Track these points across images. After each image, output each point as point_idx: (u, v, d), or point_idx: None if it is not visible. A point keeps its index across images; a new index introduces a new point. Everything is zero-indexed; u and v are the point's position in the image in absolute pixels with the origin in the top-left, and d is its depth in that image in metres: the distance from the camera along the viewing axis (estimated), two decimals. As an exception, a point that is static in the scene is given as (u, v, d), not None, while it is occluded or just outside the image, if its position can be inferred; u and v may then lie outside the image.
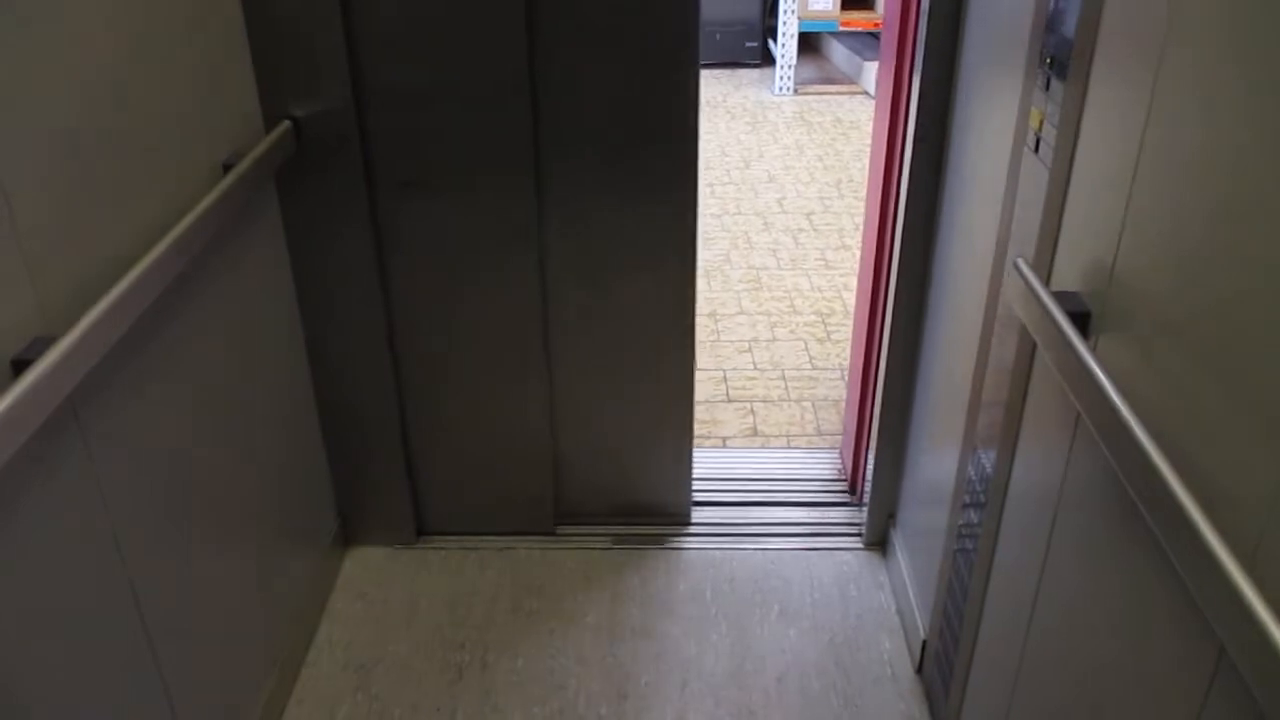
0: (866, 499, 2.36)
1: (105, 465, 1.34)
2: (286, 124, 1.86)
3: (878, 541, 2.38)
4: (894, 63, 2.04)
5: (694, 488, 2.45)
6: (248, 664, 1.84)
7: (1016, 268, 1.31)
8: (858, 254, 3.86)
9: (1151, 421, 0.99)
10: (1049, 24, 1.33)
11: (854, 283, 3.58)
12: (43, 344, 1.16)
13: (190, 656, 1.59)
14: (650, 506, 2.42)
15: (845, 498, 2.53)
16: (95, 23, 1.33)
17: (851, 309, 3.53)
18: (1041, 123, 1.34)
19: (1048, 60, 1.33)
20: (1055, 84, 1.30)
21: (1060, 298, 1.22)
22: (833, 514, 2.48)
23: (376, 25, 1.86)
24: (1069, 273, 1.28)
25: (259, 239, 1.89)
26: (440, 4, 1.86)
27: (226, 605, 1.75)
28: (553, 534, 2.42)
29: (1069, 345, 1.14)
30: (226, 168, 1.68)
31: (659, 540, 2.41)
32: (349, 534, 2.39)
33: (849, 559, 2.35)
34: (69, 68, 1.26)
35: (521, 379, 2.24)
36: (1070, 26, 1.26)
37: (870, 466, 2.34)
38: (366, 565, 2.35)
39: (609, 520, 2.45)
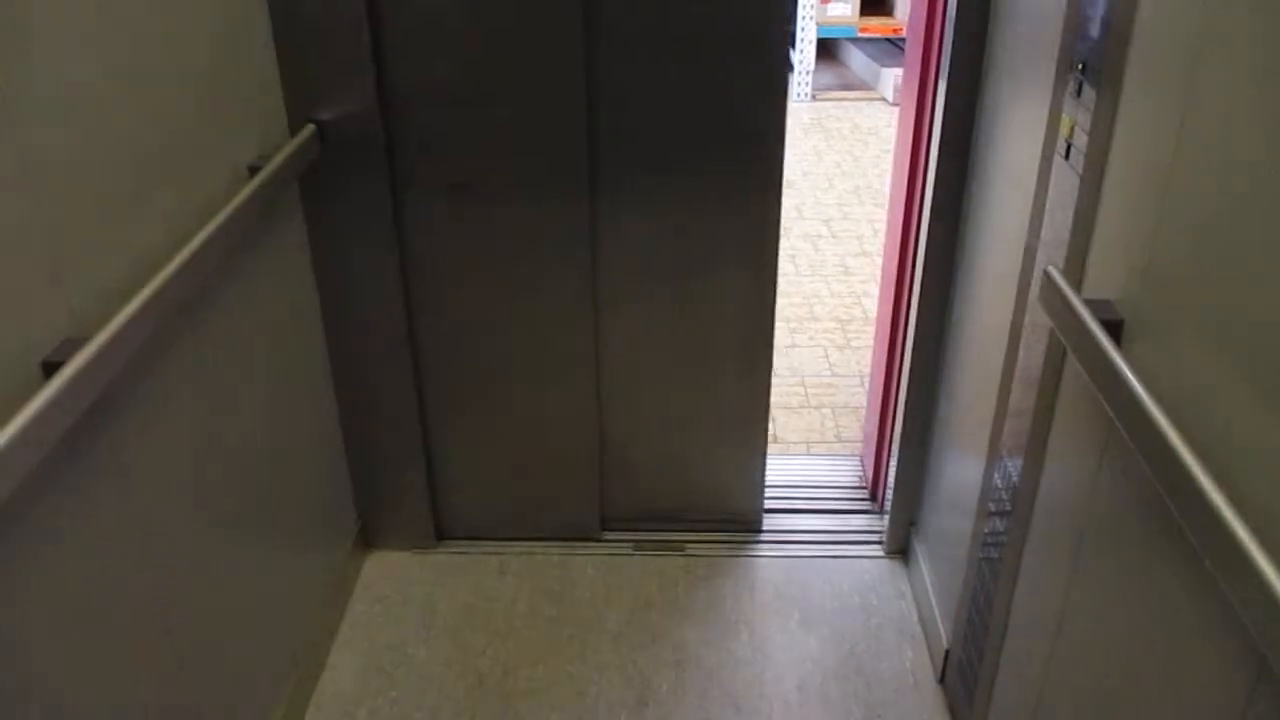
0: (888, 506, 2.35)
1: (133, 466, 1.34)
2: (311, 127, 1.86)
3: (899, 549, 2.36)
4: (918, 69, 2.03)
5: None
6: (269, 667, 1.84)
7: (1048, 275, 1.30)
8: (877, 261, 3.84)
9: (1188, 432, 0.98)
10: (1080, 30, 1.32)
11: (873, 289, 3.57)
12: (72, 346, 1.16)
13: (212, 658, 1.59)
14: (715, 511, 2.43)
15: (866, 505, 2.52)
16: (122, 26, 1.33)
17: (871, 316, 3.51)
18: (1073, 129, 1.33)
19: (1079, 66, 1.32)
20: (1087, 90, 1.29)
21: (1093, 306, 1.21)
22: (853, 521, 2.46)
23: (405, 27, 1.86)
24: (1101, 280, 1.27)
25: (283, 241, 1.89)
26: (474, 7, 1.86)
27: (248, 607, 1.75)
28: (599, 539, 2.42)
29: (1102, 354, 1.13)
30: (252, 170, 1.69)
31: (679, 548, 2.40)
32: (369, 537, 2.39)
33: (870, 567, 2.34)
34: (96, 71, 1.27)
35: (564, 384, 2.24)
36: (1101, 32, 1.25)
37: (891, 474, 2.32)
38: (387, 569, 2.35)
39: (658, 526, 2.44)
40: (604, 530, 2.43)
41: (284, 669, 1.90)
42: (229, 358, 1.65)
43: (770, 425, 2.85)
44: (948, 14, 1.85)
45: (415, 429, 2.25)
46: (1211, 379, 1.00)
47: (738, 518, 2.42)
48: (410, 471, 2.31)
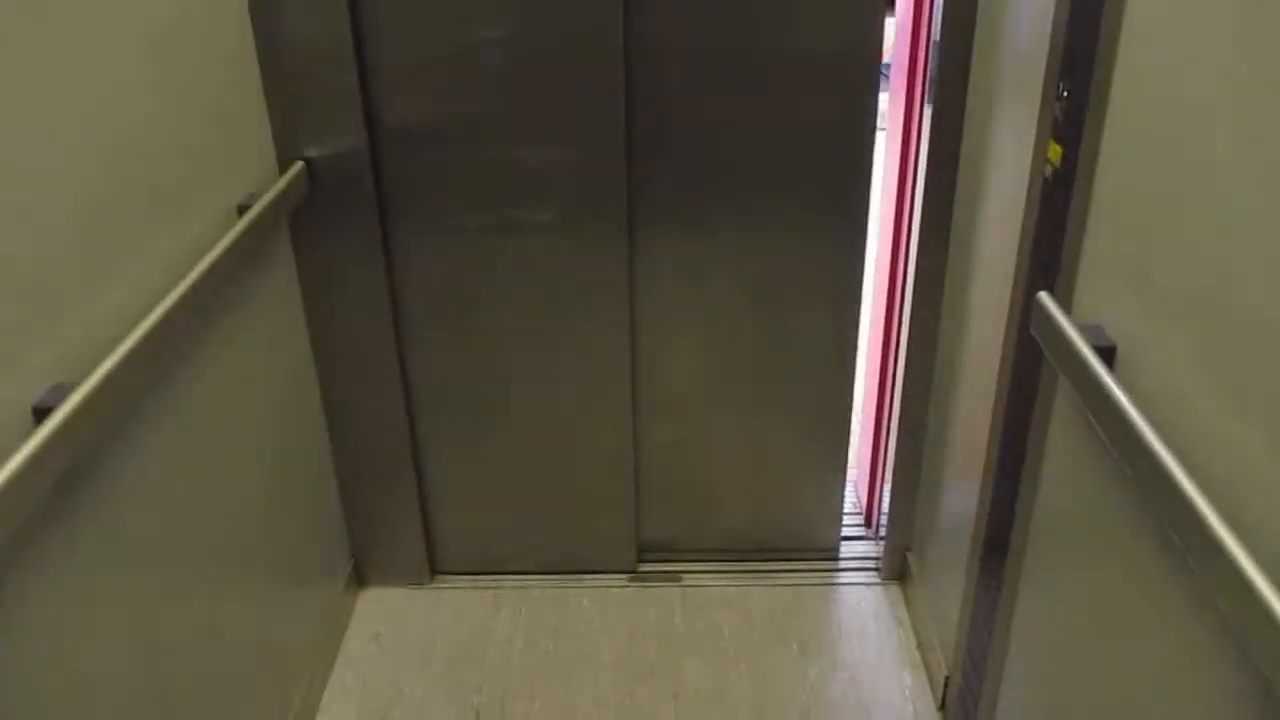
0: (883, 532, 2.35)
1: (123, 509, 1.33)
2: (300, 165, 1.86)
3: (896, 575, 2.36)
4: (904, 94, 2.04)
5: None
6: (262, 710, 1.81)
7: (1040, 301, 1.31)
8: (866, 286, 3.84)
9: (1184, 457, 0.98)
10: (1064, 55, 1.34)
11: (863, 313, 3.56)
12: (62, 391, 1.15)
13: (204, 702, 1.57)
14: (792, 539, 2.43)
15: (861, 531, 2.51)
16: (110, 67, 1.33)
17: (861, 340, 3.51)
18: (1060, 154, 1.33)
19: (1064, 92, 1.33)
20: (1074, 115, 1.30)
21: (1085, 331, 1.21)
22: (849, 548, 2.46)
23: (394, 64, 1.87)
24: (1093, 304, 1.27)
25: (273, 279, 1.89)
26: (469, 42, 1.86)
27: (240, 649, 1.73)
28: (635, 571, 2.41)
29: (1095, 379, 1.13)
30: (241, 210, 1.68)
31: (676, 578, 2.39)
32: (363, 574, 2.37)
33: (867, 593, 2.33)
34: (84, 113, 1.27)
35: (573, 419, 2.24)
36: (1088, 57, 1.26)
37: (886, 499, 2.32)
38: (381, 606, 2.33)
39: (688, 557, 2.44)
40: (640, 563, 2.42)
41: (278, 711, 1.88)
42: (220, 397, 1.64)
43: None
44: (932, 39, 1.86)
45: (408, 464, 2.24)
46: (1206, 403, 1.00)
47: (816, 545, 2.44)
48: (404, 507, 2.29)
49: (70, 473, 1.16)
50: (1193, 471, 0.96)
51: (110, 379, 1.21)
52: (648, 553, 2.42)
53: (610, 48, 1.85)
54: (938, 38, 1.83)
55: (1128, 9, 1.17)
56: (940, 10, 1.80)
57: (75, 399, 1.14)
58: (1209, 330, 1.00)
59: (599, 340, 2.14)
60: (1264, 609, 0.81)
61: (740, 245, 2.07)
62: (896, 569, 2.35)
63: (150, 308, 1.34)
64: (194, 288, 1.44)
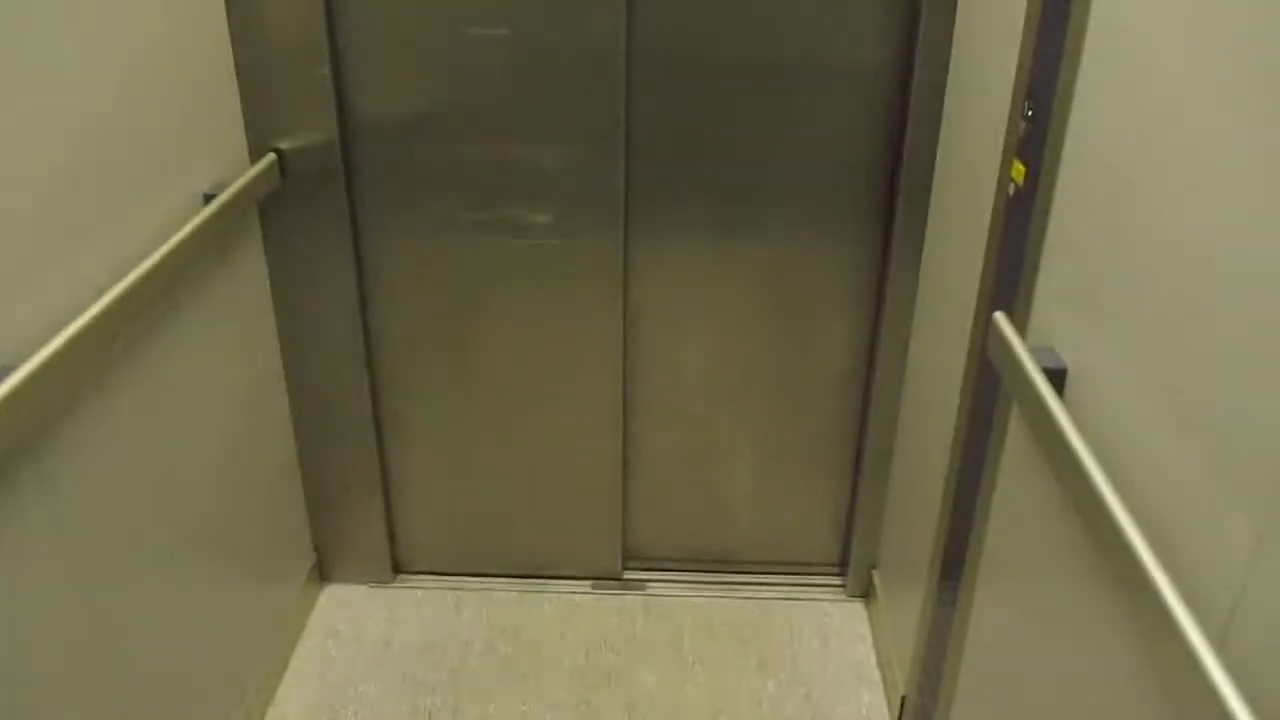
0: (850, 550, 2.33)
1: (66, 499, 1.32)
2: (271, 156, 1.86)
3: (861, 593, 2.34)
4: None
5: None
6: (213, 703, 1.80)
7: (994, 321, 1.30)
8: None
9: (1126, 487, 0.97)
10: (1031, 73, 1.33)
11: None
12: (2, 374, 1.14)
13: (150, 691, 1.56)
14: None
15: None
16: (76, 49, 1.32)
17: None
18: (1024, 174, 1.33)
19: (1029, 111, 1.32)
20: (1038, 135, 1.29)
21: (1037, 354, 1.20)
22: (817, 571, 2.44)
23: (371, 58, 1.86)
24: (1047, 328, 1.26)
25: (240, 272, 1.88)
26: (454, 38, 1.86)
27: (192, 641, 1.71)
28: (619, 579, 2.39)
29: (1042, 404, 1.12)
30: (208, 199, 1.67)
31: (641, 586, 2.37)
32: (325, 571, 2.36)
33: (831, 610, 2.32)
34: (46, 93, 1.26)
35: (551, 416, 2.22)
36: (1052, 77, 1.25)
37: (854, 518, 2.30)
38: (342, 603, 2.31)
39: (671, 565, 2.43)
40: (625, 570, 2.40)
41: (229, 705, 1.86)
42: (178, 387, 1.63)
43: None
44: (915, 50, 1.85)
45: (375, 461, 2.23)
46: (1149, 429, 0.99)
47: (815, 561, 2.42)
48: (369, 504, 2.28)
49: (9, 455, 1.15)
50: (1131, 501, 0.95)
51: (53, 363, 1.20)
52: (632, 560, 2.41)
53: (611, 46, 1.84)
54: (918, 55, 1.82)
55: (1090, 29, 1.16)
56: (923, 25, 1.79)
57: (12, 382, 1.13)
58: (1156, 357, 0.99)
59: (587, 341, 2.13)
60: (1190, 659, 0.79)
61: (744, 251, 2.06)
62: (862, 587, 2.34)
63: (104, 292, 1.33)
64: (149, 275, 1.43)
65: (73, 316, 1.27)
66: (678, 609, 2.31)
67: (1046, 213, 1.25)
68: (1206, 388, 0.89)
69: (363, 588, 2.36)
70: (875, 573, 2.29)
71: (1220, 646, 0.83)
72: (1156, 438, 0.97)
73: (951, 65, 1.78)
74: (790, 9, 1.83)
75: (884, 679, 2.10)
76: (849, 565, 2.34)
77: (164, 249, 1.48)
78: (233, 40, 1.78)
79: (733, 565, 2.41)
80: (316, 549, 2.33)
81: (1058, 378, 1.19)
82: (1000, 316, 1.30)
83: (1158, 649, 0.85)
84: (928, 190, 1.89)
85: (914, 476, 1.97)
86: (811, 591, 2.36)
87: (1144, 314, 1.01)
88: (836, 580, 2.39)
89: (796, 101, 1.90)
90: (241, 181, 1.73)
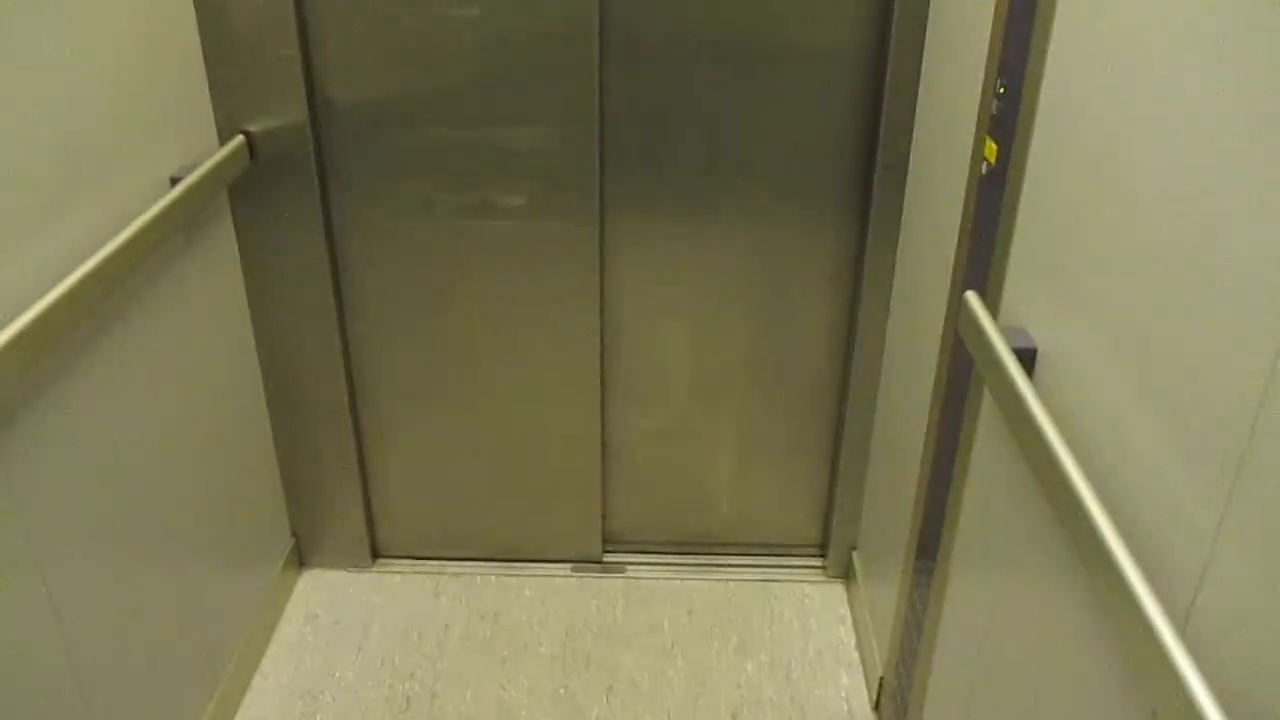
0: (830, 532, 2.33)
1: (33, 484, 1.30)
2: (240, 139, 1.83)
3: (841, 574, 2.34)
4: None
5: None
6: (185, 691, 1.79)
7: (966, 301, 1.28)
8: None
9: (1093, 467, 0.96)
10: (1002, 50, 1.31)
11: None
12: (-44, 359, 1.13)
13: (121, 686, 1.54)
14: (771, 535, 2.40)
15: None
16: (36, 29, 1.29)
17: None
18: (997, 152, 1.31)
19: (1002, 88, 1.31)
20: (1008, 113, 1.28)
21: (1007, 334, 1.19)
22: (797, 553, 2.44)
23: (342, 39, 1.83)
24: (1018, 308, 1.25)
25: (211, 255, 1.85)
26: (425, 19, 1.83)
27: (163, 630, 1.70)
28: (600, 562, 2.38)
29: (1012, 384, 1.11)
30: (174, 182, 1.65)
31: (620, 569, 2.37)
32: (304, 555, 2.35)
33: (812, 592, 2.31)
34: (8, 70, 1.23)
35: (532, 399, 2.21)
36: (1023, 53, 1.23)
37: (834, 499, 2.30)
38: (321, 588, 2.30)
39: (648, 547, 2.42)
40: (605, 553, 2.40)
41: (204, 691, 1.85)
42: (147, 370, 1.61)
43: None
44: (890, 36, 1.83)
45: (351, 444, 2.21)
46: (1119, 410, 0.98)
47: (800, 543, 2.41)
48: (347, 488, 2.27)
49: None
50: (1098, 482, 0.94)
51: (15, 346, 1.18)
52: (612, 543, 2.40)
53: (585, 26, 1.81)
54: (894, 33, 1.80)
55: (1059, 5, 1.14)
56: (898, 3, 1.77)
57: (-34, 367, 1.11)
58: (1125, 337, 0.97)
59: (564, 324, 2.11)
60: (1153, 640, 0.79)
61: (722, 233, 2.04)
62: (842, 568, 2.34)
63: (63, 276, 1.31)
64: (113, 259, 1.41)
65: (32, 301, 1.25)
66: (658, 592, 2.30)
67: (1018, 192, 1.24)
68: (1174, 368, 0.88)
69: (341, 572, 2.35)
70: (855, 554, 2.29)
71: (1184, 627, 0.82)
72: (1124, 418, 0.96)
73: (927, 44, 1.76)
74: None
75: (863, 661, 2.10)
76: (829, 547, 2.33)
77: (127, 233, 1.46)
78: (199, 20, 1.76)
79: (713, 548, 2.40)
80: (295, 534, 2.32)
81: (1028, 358, 1.18)
82: (972, 296, 1.28)
83: (1124, 629, 0.84)
84: (904, 171, 1.87)
85: (892, 458, 1.96)
86: (792, 573, 2.36)
87: (1114, 294, 1.00)
88: (817, 562, 2.39)
89: (772, 82, 1.88)
90: (209, 165, 1.71)
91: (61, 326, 1.30)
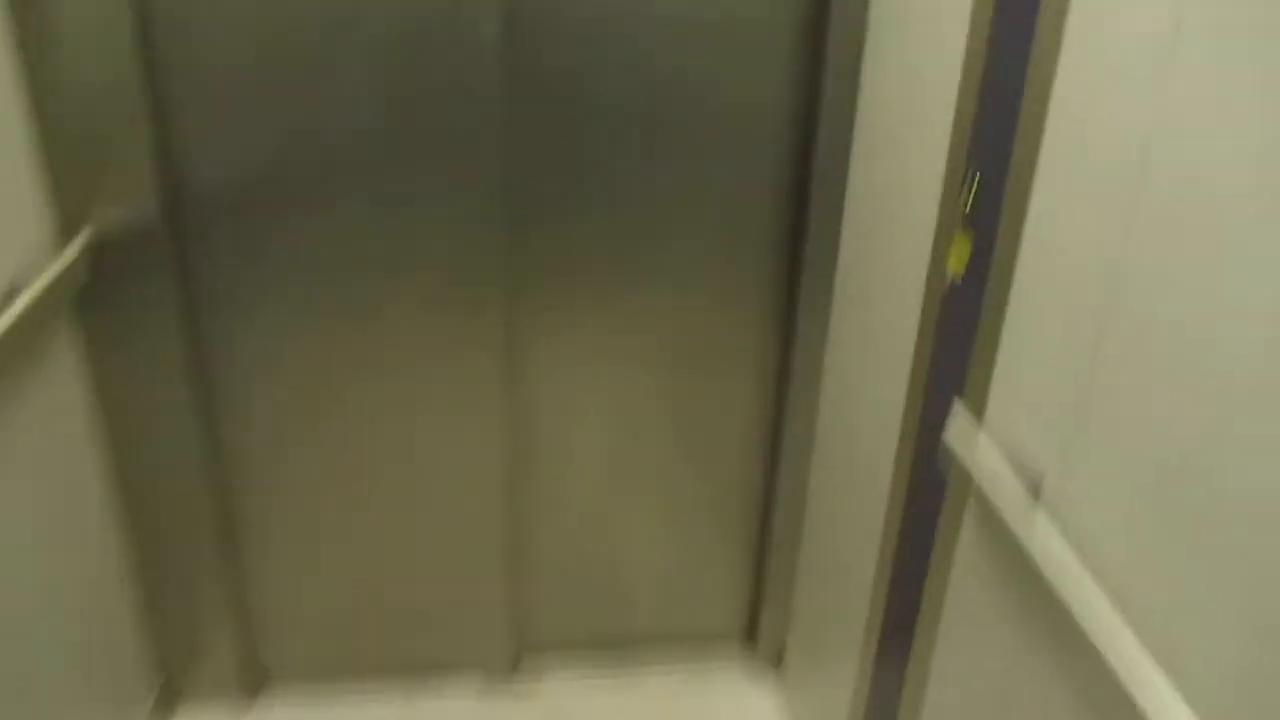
0: (760, 621, 2.19)
1: None
2: (83, 237, 1.57)
3: (773, 663, 2.21)
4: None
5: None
6: None
7: (955, 413, 1.17)
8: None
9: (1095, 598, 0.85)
10: (974, 141, 1.20)
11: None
12: None
13: None
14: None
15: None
16: None
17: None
18: (970, 253, 1.20)
19: (973, 179, 1.20)
20: (986, 209, 1.17)
21: (1007, 452, 1.08)
22: (724, 644, 2.29)
23: (199, 114, 1.60)
24: (1008, 425, 1.14)
25: (51, 370, 1.58)
26: (296, 82, 1.61)
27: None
28: (514, 670, 2.17)
29: (1012, 509, 0.99)
30: (10, 297, 1.39)
31: (535, 680, 2.17)
32: (174, 695, 2.06)
33: (741, 683, 2.17)
34: None
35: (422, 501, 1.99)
36: (1005, 141, 1.12)
37: (764, 586, 2.17)
38: (196, 731, 2.03)
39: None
40: (520, 661, 2.18)
41: None
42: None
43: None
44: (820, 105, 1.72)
45: (226, 567, 1.95)
46: (1130, 540, 0.86)
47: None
48: (221, 615, 2.00)
49: None
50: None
51: None
52: (529, 649, 2.20)
53: (486, 89, 1.63)
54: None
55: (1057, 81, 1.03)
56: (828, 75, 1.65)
57: None
58: (1138, 466, 0.86)
59: (469, 420, 1.91)
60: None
61: (640, 316, 1.88)
62: (774, 657, 2.20)
63: None
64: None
65: None
66: (578, 710, 2.11)
67: (1004, 294, 1.12)
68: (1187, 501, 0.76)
69: (220, 709, 2.07)
70: (788, 640, 2.16)
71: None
72: (1134, 551, 0.85)
73: (860, 107, 1.65)
74: (682, 54, 1.68)
75: (807, 760, 1.97)
76: (758, 636, 2.20)
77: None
78: (32, 101, 1.49)
79: (635, 646, 2.23)
80: (164, 669, 2.03)
81: (1031, 478, 1.07)
82: (962, 408, 1.17)
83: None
84: (835, 250, 1.77)
85: (838, 548, 1.84)
86: (720, 665, 2.21)
87: (1131, 415, 0.88)
88: (745, 652, 2.25)
89: (689, 153, 1.75)
90: (48, 277, 1.45)
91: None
